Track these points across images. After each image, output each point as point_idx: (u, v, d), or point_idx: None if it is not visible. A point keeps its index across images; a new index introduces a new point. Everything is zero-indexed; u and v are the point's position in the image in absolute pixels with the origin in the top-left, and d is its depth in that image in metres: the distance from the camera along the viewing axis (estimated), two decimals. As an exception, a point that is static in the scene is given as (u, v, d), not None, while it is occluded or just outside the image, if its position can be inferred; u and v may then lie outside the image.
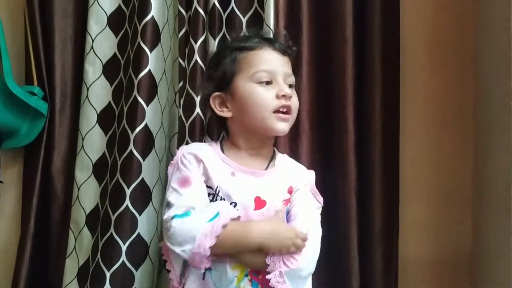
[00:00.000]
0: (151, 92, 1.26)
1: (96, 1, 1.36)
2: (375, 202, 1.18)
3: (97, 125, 1.35)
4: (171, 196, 0.91)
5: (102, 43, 1.36)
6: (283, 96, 0.91)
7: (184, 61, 1.35)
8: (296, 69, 1.01)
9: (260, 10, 1.33)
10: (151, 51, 1.27)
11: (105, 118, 1.35)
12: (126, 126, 1.26)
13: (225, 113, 0.97)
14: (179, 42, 1.36)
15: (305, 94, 1.25)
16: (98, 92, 1.36)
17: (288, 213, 0.93)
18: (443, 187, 1.18)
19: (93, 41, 1.36)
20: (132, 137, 1.24)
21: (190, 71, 1.31)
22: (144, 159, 1.25)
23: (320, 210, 0.98)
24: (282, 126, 0.92)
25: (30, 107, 1.38)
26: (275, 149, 1.03)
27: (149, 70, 1.26)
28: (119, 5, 1.38)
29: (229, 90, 0.96)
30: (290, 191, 0.93)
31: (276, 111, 0.91)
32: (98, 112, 1.36)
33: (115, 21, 1.37)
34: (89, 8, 1.36)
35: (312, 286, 0.96)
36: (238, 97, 0.94)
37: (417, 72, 1.22)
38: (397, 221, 1.19)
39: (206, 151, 0.96)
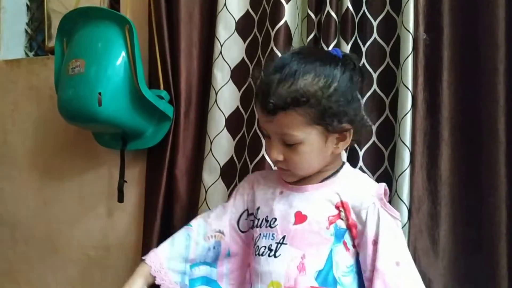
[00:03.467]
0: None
1: (225, 7, 1.38)
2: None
3: (225, 129, 1.37)
4: None
5: (231, 48, 1.38)
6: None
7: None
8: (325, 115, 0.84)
9: (393, 13, 1.29)
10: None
11: (233, 123, 1.37)
12: (258, 131, 1.26)
13: None
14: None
15: (445, 101, 1.19)
16: (226, 97, 1.37)
17: (353, 238, 0.85)
18: None
19: (221, 46, 1.38)
20: (263, 142, 1.24)
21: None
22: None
23: (400, 226, 0.88)
24: (285, 178, 0.91)
25: (157, 110, 1.42)
26: (346, 163, 0.96)
27: (281, 75, 1.26)
28: (247, 10, 1.39)
29: None
30: (338, 207, 0.85)
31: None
32: (226, 117, 1.37)
33: (243, 26, 1.39)
34: (218, 13, 1.38)
35: None
36: None
37: None
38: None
39: (266, 176, 0.97)
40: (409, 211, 1.17)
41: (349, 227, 0.85)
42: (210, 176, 1.37)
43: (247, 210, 0.95)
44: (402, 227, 1.11)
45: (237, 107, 1.38)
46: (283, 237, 0.85)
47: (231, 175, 1.35)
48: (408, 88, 1.19)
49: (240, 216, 0.96)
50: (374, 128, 1.29)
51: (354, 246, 0.86)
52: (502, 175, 1.11)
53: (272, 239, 0.86)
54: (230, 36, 1.38)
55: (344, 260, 0.84)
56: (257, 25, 1.37)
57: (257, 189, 0.95)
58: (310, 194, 0.88)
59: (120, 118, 1.39)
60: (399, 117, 1.20)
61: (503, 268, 1.10)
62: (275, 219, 0.87)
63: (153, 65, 1.50)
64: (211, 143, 1.37)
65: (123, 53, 1.38)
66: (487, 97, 1.14)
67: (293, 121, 0.82)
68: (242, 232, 0.95)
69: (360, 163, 1.28)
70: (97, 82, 1.35)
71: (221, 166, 1.37)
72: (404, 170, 1.17)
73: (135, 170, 1.56)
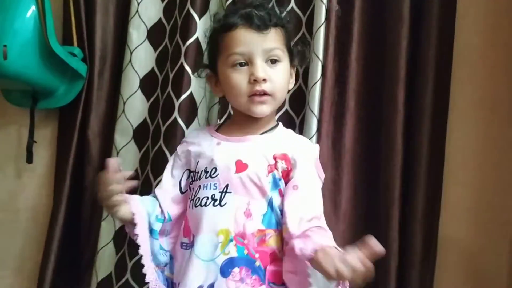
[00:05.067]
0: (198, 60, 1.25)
1: (142, -37, 1.33)
2: (419, 184, 1.18)
3: (139, 90, 1.34)
4: None
5: (148, 8, 1.35)
6: (255, 80, 0.88)
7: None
8: (289, 39, 0.94)
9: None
10: (200, 18, 1.25)
11: (148, 84, 1.35)
12: (172, 93, 1.25)
13: (218, 93, 0.98)
14: (225, 10, 1.34)
15: (353, 73, 1.24)
16: (141, 57, 1.34)
17: (286, 183, 0.88)
18: (489, 173, 1.18)
19: (138, 4, 1.34)
20: (177, 104, 1.24)
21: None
22: (187, 127, 1.25)
23: (321, 186, 0.92)
24: (260, 109, 0.90)
25: (69, 68, 1.37)
26: (280, 123, 0.99)
27: (197, 38, 1.25)
28: (165, -32, 1.36)
29: (216, 72, 0.95)
30: (276, 158, 0.88)
31: (252, 94, 0.89)
32: (141, 77, 1.35)
33: (160, -15, 1.35)
34: (135, -30, 1.33)
35: None
36: (221, 80, 0.93)
37: (470, 55, 1.21)
38: (439, 203, 1.20)
39: (198, 135, 0.98)
40: (314, 176, 1.21)
41: (284, 176, 0.88)
42: (122, 137, 1.35)
43: (187, 170, 0.95)
44: None
45: (152, 68, 1.35)
46: (226, 186, 0.87)
47: (144, 137, 1.34)
48: (318, 58, 1.22)
49: (180, 181, 0.95)
50: (287, 96, 1.32)
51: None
52: (399, 144, 1.18)
53: (214, 189, 0.87)
54: (147, -5, 1.35)
55: (279, 205, 0.87)
56: (175, -16, 1.34)
57: (191, 148, 0.94)
58: (251, 144, 0.90)
59: (28, 73, 1.32)
60: (309, 86, 1.23)
61: (394, 230, 1.18)
62: (215, 168, 0.88)
63: (67, 21, 1.43)
64: (124, 104, 1.34)
65: (33, 7, 1.31)
66: (390, 69, 1.20)
67: (279, 38, 0.91)
68: (182, 193, 0.94)
69: (273, 130, 1.31)
70: (2, 34, 1.27)
71: (134, 128, 1.35)
72: (311, 138, 1.21)
73: (47, 130, 1.50)
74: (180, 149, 0.97)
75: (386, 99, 1.21)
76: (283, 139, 0.93)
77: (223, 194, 0.86)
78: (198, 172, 0.91)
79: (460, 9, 1.23)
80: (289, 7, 1.31)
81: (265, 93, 0.88)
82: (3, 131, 1.55)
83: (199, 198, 0.88)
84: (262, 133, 0.93)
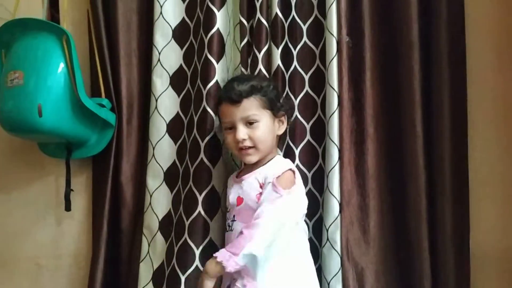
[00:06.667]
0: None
1: (161, 15, 1.41)
2: (445, 203, 1.20)
3: (166, 134, 1.41)
4: None
5: (168, 56, 1.42)
6: (237, 141, 1.16)
7: (247, 71, 1.39)
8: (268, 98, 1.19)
9: (320, 17, 1.36)
10: (217, 62, 1.31)
11: (174, 128, 1.41)
12: (197, 135, 1.31)
13: None
14: (241, 51, 1.40)
15: (369, 99, 1.27)
16: (166, 103, 1.41)
17: None
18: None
19: (159, 53, 1.42)
20: (202, 145, 1.29)
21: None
22: (213, 167, 1.30)
23: (280, 199, 1.11)
24: (248, 158, 1.19)
25: (99, 118, 1.44)
26: (278, 155, 1.24)
27: (216, 81, 1.31)
28: (183, 18, 1.44)
29: None
30: (261, 186, 1.15)
31: (240, 149, 1.17)
32: (167, 122, 1.41)
33: (180, 34, 1.43)
34: (155, 22, 1.42)
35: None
36: None
37: (485, 72, 1.23)
38: (468, 221, 1.21)
39: (230, 179, 1.29)
40: (340, 204, 1.25)
41: None
42: (154, 181, 1.41)
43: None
44: (334, 220, 1.24)
45: (177, 112, 1.42)
46: (233, 216, 1.19)
47: (174, 178, 1.39)
48: (333, 89, 1.26)
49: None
50: (308, 127, 1.36)
51: None
52: (421, 166, 1.20)
53: (228, 219, 1.21)
54: (167, 44, 1.42)
55: None
56: (193, 32, 1.42)
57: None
58: (244, 183, 1.19)
59: (62, 127, 1.40)
60: (327, 116, 1.28)
61: (425, 250, 1.19)
62: (229, 206, 1.22)
63: (94, 75, 1.52)
64: (153, 148, 1.41)
65: (62, 64, 1.39)
66: (405, 93, 1.23)
67: (253, 104, 1.17)
68: None
69: (297, 161, 1.35)
70: (37, 93, 1.36)
71: (164, 170, 1.41)
72: (334, 166, 1.25)
73: (82, 178, 1.58)
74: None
75: (404, 122, 1.24)
76: (267, 169, 1.18)
77: (232, 222, 1.18)
78: (226, 207, 1.26)
79: (469, 27, 1.25)
80: (302, 41, 1.37)
81: (249, 147, 1.17)
82: (42, 182, 1.63)
83: (226, 225, 1.22)
84: (257, 168, 1.19)
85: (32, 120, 1.34)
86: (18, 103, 1.37)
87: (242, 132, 1.16)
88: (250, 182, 1.18)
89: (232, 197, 1.21)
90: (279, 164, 1.19)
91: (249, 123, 1.16)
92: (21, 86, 1.36)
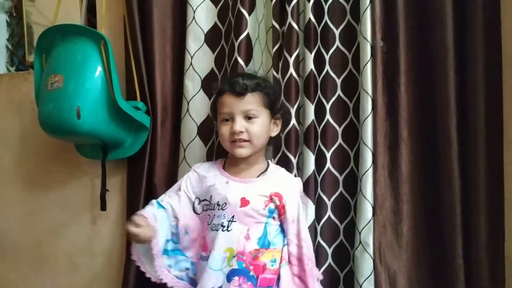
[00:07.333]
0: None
1: (194, 20, 1.44)
2: (480, 209, 1.18)
3: (197, 137, 1.44)
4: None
5: (200, 60, 1.45)
6: (234, 132, 1.18)
7: (278, 74, 1.40)
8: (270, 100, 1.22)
9: (353, 22, 1.36)
10: (246, 65, 1.34)
11: (205, 130, 1.44)
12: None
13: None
14: (273, 56, 1.41)
15: (403, 103, 1.27)
16: (197, 106, 1.44)
17: (280, 213, 1.19)
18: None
19: (192, 57, 1.44)
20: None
21: (285, 84, 1.36)
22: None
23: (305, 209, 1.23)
24: (239, 151, 1.19)
25: (134, 121, 1.48)
26: (269, 161, 1.27)
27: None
28: (215, 23, 1.46)
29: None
30: (271, 196, 1.17)
31: (232, 141, 1.18)
32: (198, 125, 1.44)
33: (212, 38, 1.45)
34: (188, 26, 1.45)
35: None
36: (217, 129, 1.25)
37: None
38: (502, 228, 1.19)
39: (209, 170, 1.26)
40: (373, 208, 1.24)
41: (278, 208, 1.19)
42: (186, 182, 1.43)
43: (198, 198, 1.24)
44: (367, 223, 1.25)
45: (208, 115, 1.44)
46: (232, 216, 1.17)
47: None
48: (368, 93, 1.26)
49: (193, 203, 1.25)
50: (339, 130, 1.37)
51: (279, 217, 1.20)
52: (456, 171, 1.19)
53: (223, 218, 1.17)
54: (199, 48, 1.45)
55: (273, 227, 1.19)
56: (224, 36, 1.44)
57: (206, 181, 1.24)
58: (251, 185, 1.20)
59: (99, 129, 1.44)
60: (361, 120, 1.28)
61: (459, 257, 1.18)
62: (226, 203, 1.18)
63: (129, 78, 1.55)
64: (184, 150, 1.44)
65: (100, 68, 1.43)
66: (440, 98, 1.22)
67: (255, 100, 1.19)
68: (198, 214, 1.23)
69: (328, 164, 1.36)
70: (76, 96, 1.40)
71: (196, 172, 1.43)
72: (367, 170, 1.25)
73: (117, 179, 1.62)
74: (192, 176, 1.26)
75: (438, 127, 1.23)
76: (276, 180, 1.22)
77: (230, 222, 1.16)
78: (212, 204, 1.20)
79: (504, 31, 1.24)
80: (334, 46, 1.37)
81: (244, 140, 1.18)
82: (78, 182, 1.68)
83: (214, 224, 1.18)
84: (258, 176, 1.22)
85: (71, 122, 1.38)
86: (57, 105, 1.41)
87: (240, 124, 1.18)
88: (257, 188, 1.19)
89: (233, 195, 1.18)
90: (287, 175, 1.26)
91: (248, 117, 1.18)
92: (61, 89, 1.41)
